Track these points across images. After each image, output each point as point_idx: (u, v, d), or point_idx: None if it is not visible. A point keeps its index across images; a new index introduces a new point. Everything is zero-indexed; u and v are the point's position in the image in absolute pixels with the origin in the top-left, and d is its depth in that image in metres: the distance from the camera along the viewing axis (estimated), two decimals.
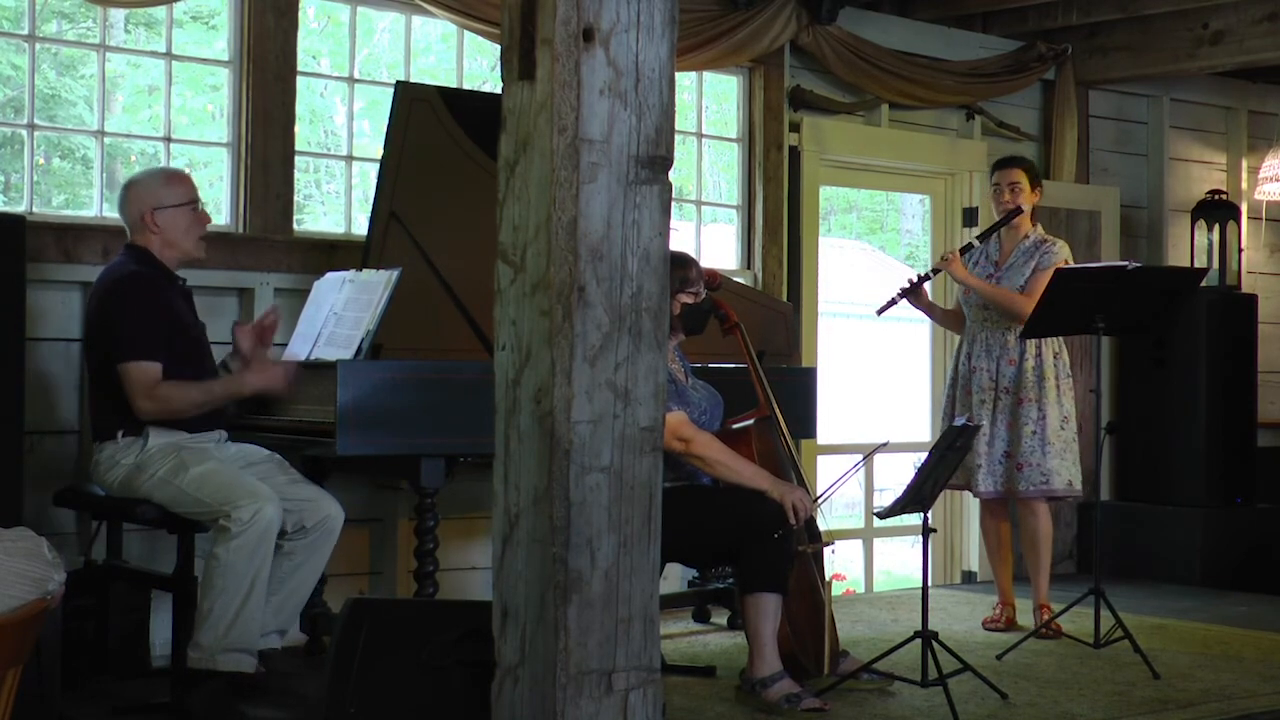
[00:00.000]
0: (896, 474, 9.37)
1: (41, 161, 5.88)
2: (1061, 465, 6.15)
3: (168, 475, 4.60)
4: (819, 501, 4.93)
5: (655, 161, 2.67)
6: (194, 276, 5.13)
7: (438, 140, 5.56)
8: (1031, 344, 6.17)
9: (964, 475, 6.20)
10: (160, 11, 5.97)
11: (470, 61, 6.78)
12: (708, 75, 7.39)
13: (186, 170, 5.25)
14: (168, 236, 4.79)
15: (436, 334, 5.31)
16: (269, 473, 4.76)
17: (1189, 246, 8.64)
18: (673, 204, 2.72)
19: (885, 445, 5.93)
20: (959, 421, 5.02)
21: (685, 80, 7.23)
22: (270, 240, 5.84)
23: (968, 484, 6.27)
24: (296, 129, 5.98)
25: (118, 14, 6.11)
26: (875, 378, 12.74)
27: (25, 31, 5.65)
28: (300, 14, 6.03)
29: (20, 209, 5.53)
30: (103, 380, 4.70)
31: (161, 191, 4.80)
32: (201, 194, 4.98)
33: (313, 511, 4.68)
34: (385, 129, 5.48)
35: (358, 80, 6.36)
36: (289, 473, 4.82)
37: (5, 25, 5.91)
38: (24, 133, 5.65)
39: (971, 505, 7.89)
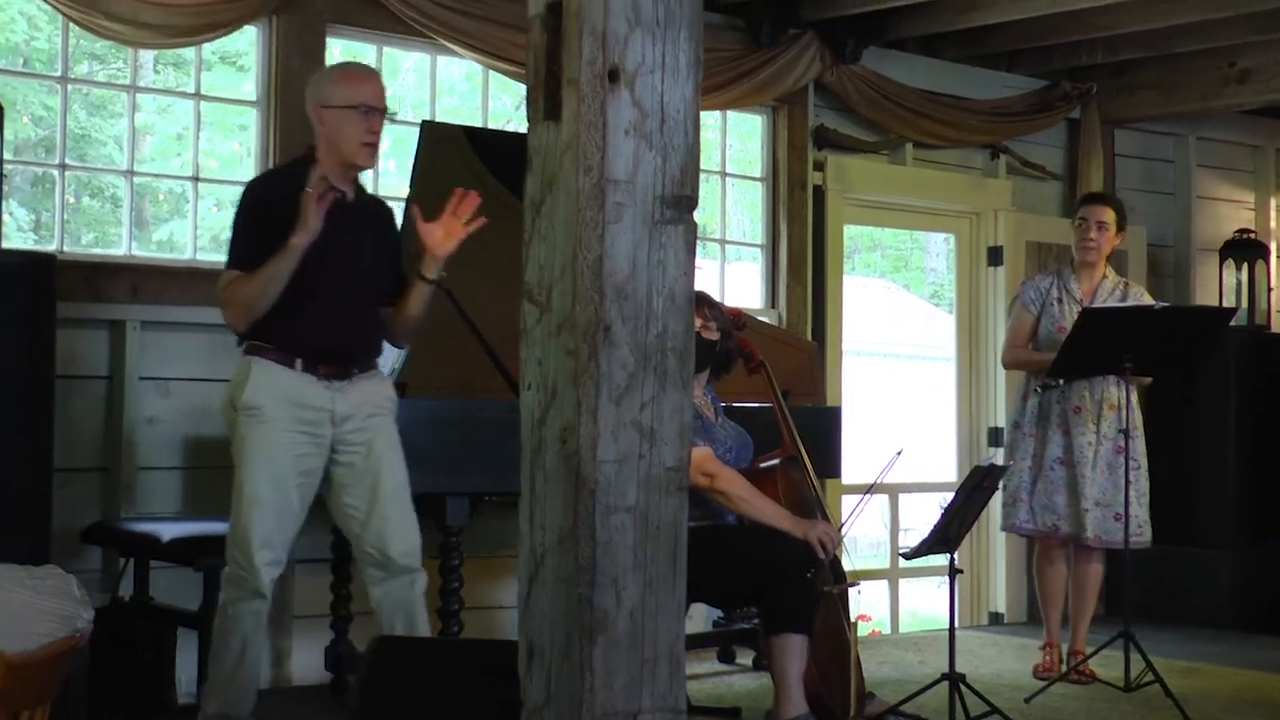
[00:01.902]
0: (922, 514, 9.34)
1: (72, 200, 5.94)
2: (1148, 517, 6.06)
3: (237, 458, 4.27)
4: (845, 527, 4.92)
5: (680, 201, 2.69)
6: (215, 315, 5.10)
7: (463, 179, 5.57)
8: (1120, 390, 5.92)
9: (1072, 524, 6.03)
10: (189, 52, 6.05)
11: (495, 101, 6.83)
12: (732, 114, 7.42)
13: (370, 67, 4.74)
14: (331, 139, 4.35)
15: (462, 373, 5.33)
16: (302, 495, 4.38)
17: (1217, 286, 8.61)
18: (697, 243, 2.74)
19: (901, 453, 5.83)
20: (984, 462, 5.01)
21: (709, 119, 7.26)
22: None
23: (1077, 535, 6.04)
24: None
25: (147, 55, 6.19)
26: (900, 417, 12.72)
27: (58, 73, 5.72)
28: (326, 54, 6.09)
29: (51, 248, 5.58)
30: None
31: (329, 89, 4.38)
32: (228, 232, 5.00)
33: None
34: (411, 168, 5.51)
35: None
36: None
37: (38, 67, 5.99)
38: (55, 172, 5.71)
39: (999, 546, 7.86)
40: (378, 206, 4.58)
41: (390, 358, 4.91)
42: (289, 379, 4.26)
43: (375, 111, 4.33)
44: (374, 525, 4.31)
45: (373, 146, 4.36)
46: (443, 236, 4.38)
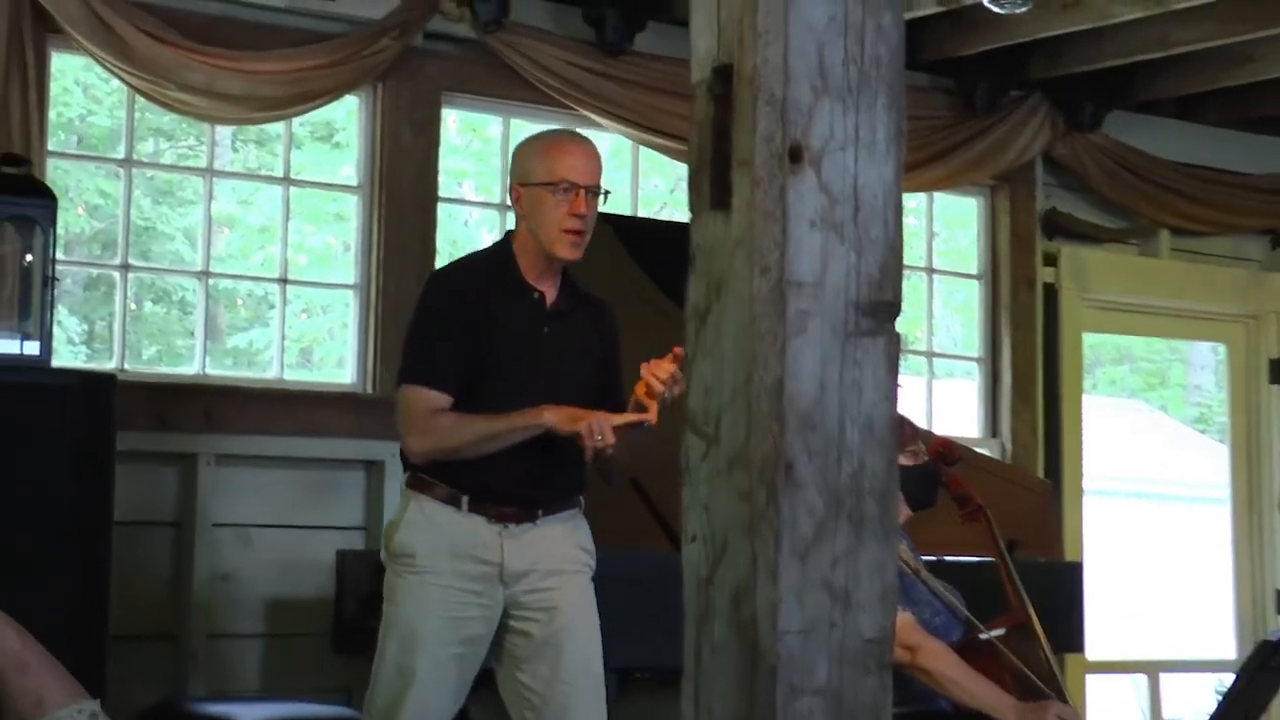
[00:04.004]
0: (1193, 700, 9.13)
1: (133, 306, 6.12)
2: None
3: (386, 612, 4.29)
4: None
5: (879, 308, 2.71)
6: (306, 448, 5.19)
7: (608, 279, 5.66)
8: None
9: None
10: (276, 128, 6.24)
11: (646, 182, 6.94)
12: (940, 196, 7.45)
13: (580, 135, 4.64)
14: (530, 223, 4.32)
15: (607, 518, 5.36)
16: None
17: None
18: (900, 357, 2.75)
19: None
20: (1274, 635, 4.90)
21: (911, 202, 7.29)
22: None
23: None
24: (436, 266, 6.16)
25: (224, 131, 6.38)
26: (1159, 574, 12.47)
27: (120, 154, 5.93)
28: (441, 129, 6.25)
29: (109, 365, 5.75)
30: None
31: (527, 162, 4.36)
32: (321, 345, 5.10)
33: None
34: None
35: (509, 207, 6.53)
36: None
37: (95, 146, 6.20)
38: (115, 274, 5.90)
39: None
40: (596, 313, 4.53)
41: None
42: (451, 522, 4.26)
43: (580, 190, 4.29)
44: (550, 714, 4.28)
45: (576, 236, 4.30)
46: (663, 379, 4.20)
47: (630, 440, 4.27)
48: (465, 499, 4.25)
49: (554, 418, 4.16)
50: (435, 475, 4.26)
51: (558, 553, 4.33)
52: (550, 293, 4.37)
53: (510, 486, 4.26)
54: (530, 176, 4.32)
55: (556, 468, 4.32)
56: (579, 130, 5.08)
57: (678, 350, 4.07)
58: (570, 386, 4.31)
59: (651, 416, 4.17)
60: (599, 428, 4.13)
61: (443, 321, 4.30)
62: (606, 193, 4.43)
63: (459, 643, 4.24)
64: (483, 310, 4.27)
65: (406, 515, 4.29)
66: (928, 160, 6.96)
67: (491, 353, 4.28)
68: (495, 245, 4.52)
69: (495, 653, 4.33)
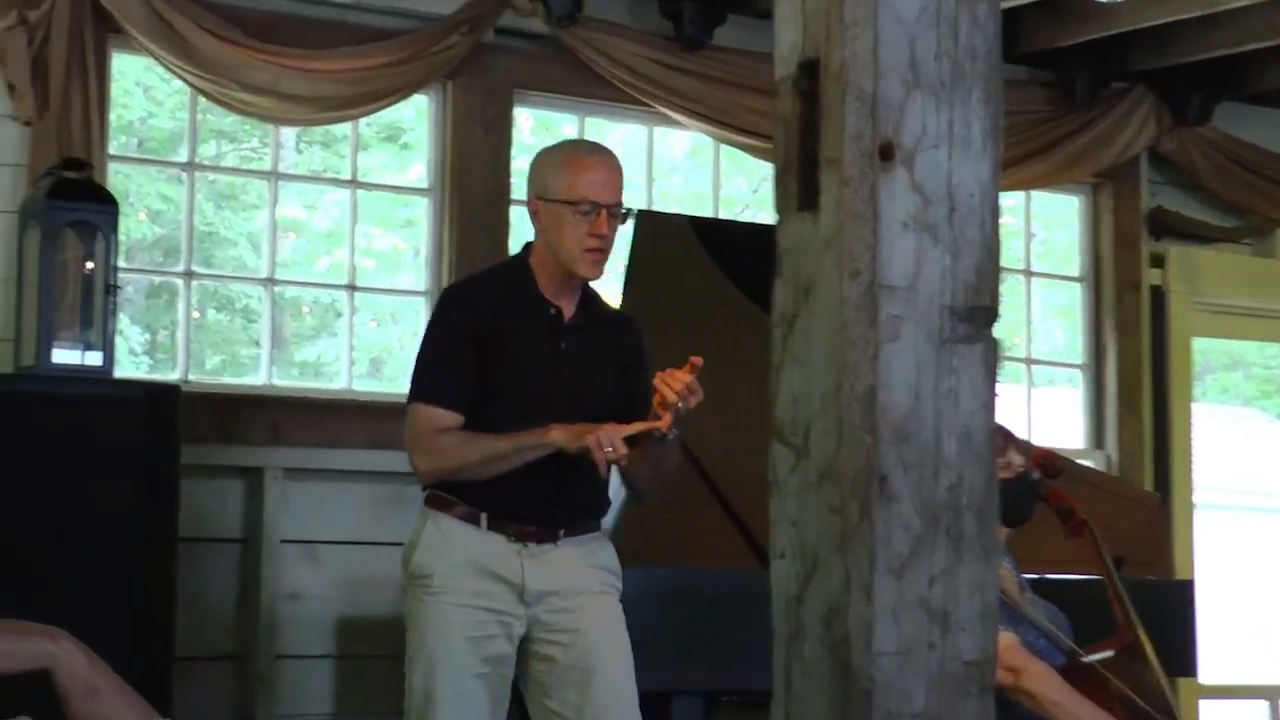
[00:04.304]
0: None
1: (196, 314, 6.17)
2: None
3: (409, 639, 4.34)
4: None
5: (976, 313, 2.70)
6: (376, 461, 5.21)
7: (689, 285, 5.68)
8: None
9: None
10: (342, 129, 6.27)
11: (728, 183, 6.94)
12: (1039, 195, 7.41)
13: (602, 148, 4.60)
14: (549, 239, 4.34)
15: (690, 534, 5.37)
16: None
17: None
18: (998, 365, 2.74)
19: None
20: None
21: (1008, 201, 7.26)
22: None
23: None
24: None
25: (288, 133, 6.42)
26: (1278, 592, 12.35)
27: (183, 158, 5.98)
28: (513, 128, 6.27)
29: (172, 375, 5.80)
30: None
31: (546, 175, 4.37)
32: (392, 355, 5.12)
33: None
34: (623, 270, 5.61)
35: None
36: None
37: (155, 149, 6.26)
38: (178, 282, 5.95)
39: None
40: (615, 326, 4.55)
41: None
42: (468, 540, 4.28)
43: (601, 210, 4.29)
44: None
45: (597, 254, 4.32)
46: (676, 390, 4.21)
47: (651, 453, 4.27)
48: (484, 517, 4.27)
49: (560, 436, 4.16)
50: (454, 493, 4.29)
51: (581, 573, 4.33)
52: (568, 308, 4.38)
53: (530, 505, 4.28)
54: (549, 191, 4.32)
55: (576, 486, 4.33)
56: (630, 132, 5.08)
57: (695, 360, 4.13)
58: (590, 402, 4.31)
59: (663, 425, 4.16)
60: (607, 439, 4.12)
61: (451, 339, 4.33)
62: (628, 212, 4.42)
63: (482, 663, 4.25)
64: (495, 326, 4.29)
65: (424, 535, 4.32)
66: (1026, 157, 6.93)
67: (505, 369, 4.30)
68: (513, 259, 4.53)
69: (523, 681, 4.34)
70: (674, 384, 4.16)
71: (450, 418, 4.27)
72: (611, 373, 4.45)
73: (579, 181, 4.30)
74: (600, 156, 4.45)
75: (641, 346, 4.55)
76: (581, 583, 4.33)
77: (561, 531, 4.32)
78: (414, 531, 4.38)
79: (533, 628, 4.30)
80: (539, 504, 4.30)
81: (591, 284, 4.45)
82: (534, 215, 4.37)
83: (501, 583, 4.27)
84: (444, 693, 4.23)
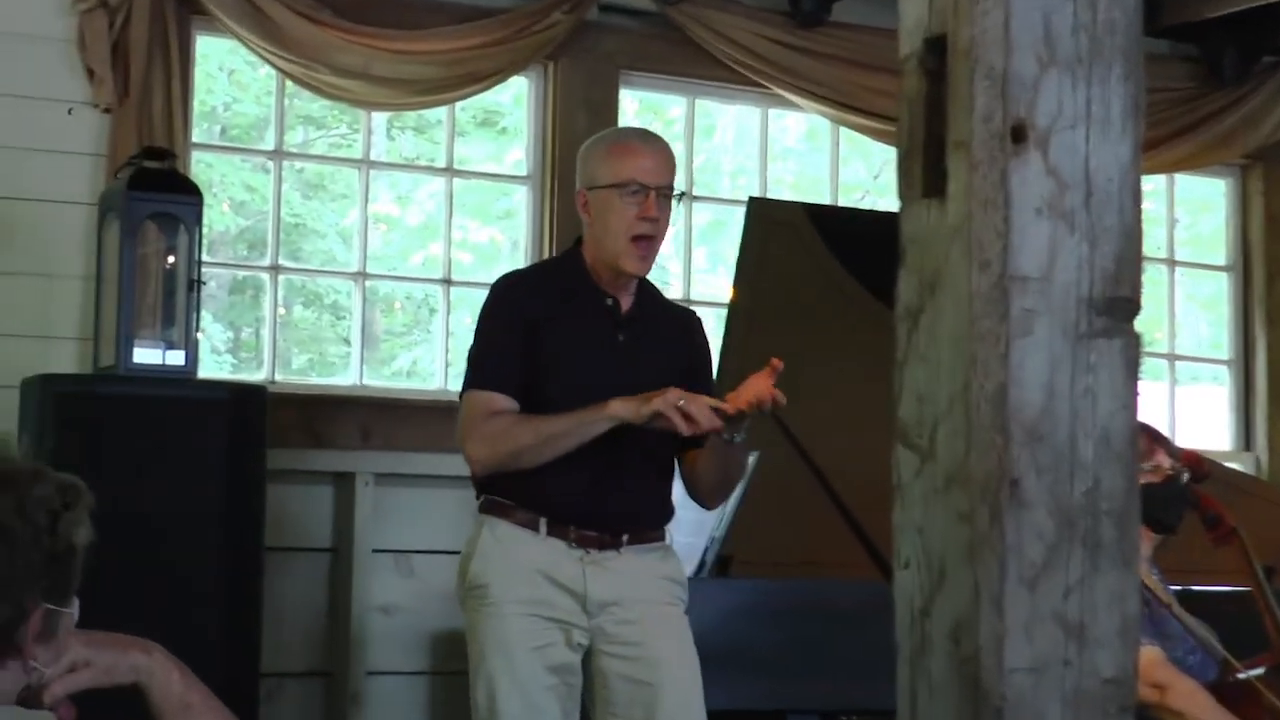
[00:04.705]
0: None
1: (282, 311, 6.22)
2: None
3: (470, 655, 4.34)
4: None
5: (1115, 305, 2.69)
6: (458, 465, 5.21)
7: (805, 276, 5.69)
8: None
9: None
10: (436, 114, 6.31)
11: (846, 168, 6.94)
12: (1183, 178, 7.36)
13: (650, 133, 4.69)
14: (596, 230, 4.35)
15: (807, 543, 5.38)
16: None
17: None
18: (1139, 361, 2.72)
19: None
20: None
21: (1150, 185, 7.22)
22: None
23: None
24: None
25: (379, 118, 6.46)
26: None
27: (269, 146, 6.04)
28: (620, 112, 6.28)
29: (258, 375, 5.86)
30: None
31: (593, 164, 4.39)
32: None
33: None
34: (735, 261, 5.62)
35: (695, 198, 6.56)
36: None
37: (238, 136, 6.31)
38: (264, 276, 6.00)
39: None
40: (674, 320, 4.59)
41: (709, 519, 4.98)
42: (528, 546, 4.29)
43: (650, 192, 4.30)
44: None
45: (646, 243, 4.32)
46: (750, 395, 4.20)
47: (719, 452, 4.29)
48: (543, 522, 4.27)
49: (622, 408, 4.15)
50: (510, 497, 4.30)
51: (646, 583, 4.33)
52: (625, 299, 4.40)
53: (591, 508, 4.28)
54: (596, 180, 4.34)
55: (636, 485, 4.34)
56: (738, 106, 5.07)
57: (775, 362, 4.12)
58: (649, 389, 4.24)
59: (729, 408, 4.12)
60: (678, 399, 4.09)
61: (505, 328, 4.34)
62: (681, 195, 4.44)
63: (549, 673, 4.25)
64: (546, 317, 4.31)
65: (479, 543, 4.33)
66: (1169, 137, 6.89)
67: (561, 360, 4.31)
68: (567, 251, 4.55)
69: (587, 694, 4.33)
70: (750, 392, 4.16)
71: (503, 400, 4.28)
72: (674, 366, 4.41)
73: (625, 164, 4.31)
74: (648, 140, 4.50)
75: (707, 344, 4.61)
76: (647, 593, 4.33)
77: (625, 537, 4.32)
78: (469, 541, 4.40)
79: (596, 638, 4.30)
80: (601, 507, 4.29)
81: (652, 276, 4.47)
82: (582, 208, 4.38)
83: (563, 590, 4.27)
84: (509, 709, 4.23)
